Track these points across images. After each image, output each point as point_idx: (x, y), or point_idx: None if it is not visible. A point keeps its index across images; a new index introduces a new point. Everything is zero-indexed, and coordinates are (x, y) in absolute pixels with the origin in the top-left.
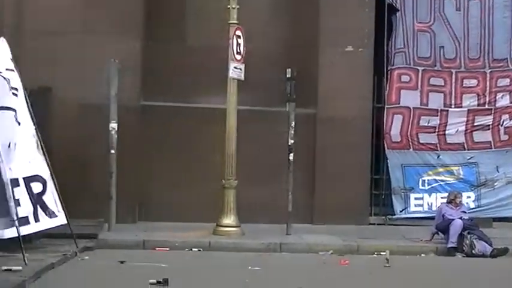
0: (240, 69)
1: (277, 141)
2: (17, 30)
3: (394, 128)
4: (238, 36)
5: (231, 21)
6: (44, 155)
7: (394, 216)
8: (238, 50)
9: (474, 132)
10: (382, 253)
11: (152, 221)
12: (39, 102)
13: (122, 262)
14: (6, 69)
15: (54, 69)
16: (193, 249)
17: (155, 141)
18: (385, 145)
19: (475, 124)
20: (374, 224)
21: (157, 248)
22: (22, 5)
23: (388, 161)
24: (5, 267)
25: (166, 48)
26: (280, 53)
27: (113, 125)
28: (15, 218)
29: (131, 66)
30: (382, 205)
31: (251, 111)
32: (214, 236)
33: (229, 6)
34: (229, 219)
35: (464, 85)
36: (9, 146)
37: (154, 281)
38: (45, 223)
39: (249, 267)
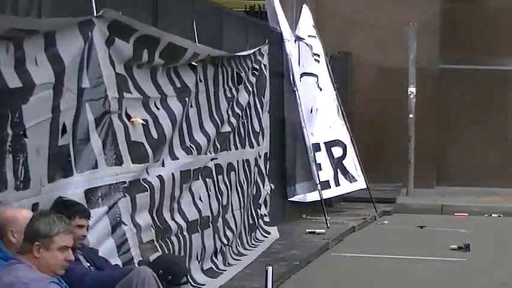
0: None
1: None
2: None
3: None
4: None
5: None
6: (344, 119)
7: None
8: None
9: None
10: None
11: (449, 185)
12: (339, 67)
13: (421, 227)
14: (309, 36)
15: (352, 33)
16: (493, 215)
17: (453, 104)
18: None
19: None
20: None
21: (455, 213)
22: None
23: None
24: (309, 230)
25: (464, 10)
26: None
27: (412, 89)
28: (317, 182)
29: (430, 29)
30: None
31: None
32: None
33: None
34: None
35: None
36: (311, 112)
37: (455, 246)
38: (346, 187)
39: None
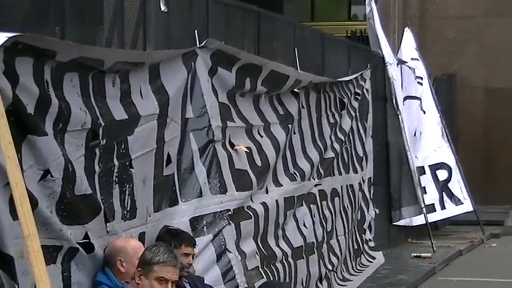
0: None
1: None
2: (421, 19)
3: None
4: None
5: None
6: (449, 142)
7: None
8: None
9: None
10: None
11: None
12: (444, 90)
13: None
14: (412, 59)
15: (457, 55)
16: None
17: None
18: None
19: None
20: None
21: None
22: None
23: None
24: (415, 254)
25: None
26: None
27: None
28: (422, 205)
29: None
30: None
31: None
32: None
33: None
34: None
35: None
36: (415, 135)
37: None
38: (451, 210)
39: None
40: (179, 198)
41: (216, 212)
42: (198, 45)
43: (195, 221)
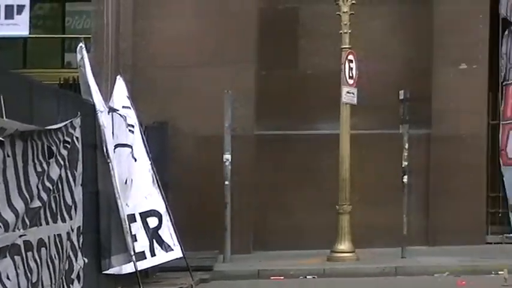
0: (353, 93)
1: (391, 164)
2: (134, 67)
3: (510, 144)
4: (351, 61)
5: (343, 46)
6: (160, 189)
7: (511, 235)
8: (351, 75)
9: None
10: (500, 272)
11: (267, 250)
12: (156, 137)
13: None
14: (123, 107)
15: (170, 103)
16: (308, 277)
17: (269, 170)
18: (501, 162)
19: None
20: (491, 243)
21: (272, 277)
22: (137, 42)
23: (504, 178)
24: None
25: (279, 76)
26: (393, 74)
27: (227, 156)
28: (132, 253)
29: (246, 97)
30: (499, 223)
31: (364, 135)
32: (328, 262)
33: (341, 31)
34: (343, 245)
35: None
36: (126, 183)
37: None
38: (161, 257)
39: None
40: None
41: None
42: None
43: None
